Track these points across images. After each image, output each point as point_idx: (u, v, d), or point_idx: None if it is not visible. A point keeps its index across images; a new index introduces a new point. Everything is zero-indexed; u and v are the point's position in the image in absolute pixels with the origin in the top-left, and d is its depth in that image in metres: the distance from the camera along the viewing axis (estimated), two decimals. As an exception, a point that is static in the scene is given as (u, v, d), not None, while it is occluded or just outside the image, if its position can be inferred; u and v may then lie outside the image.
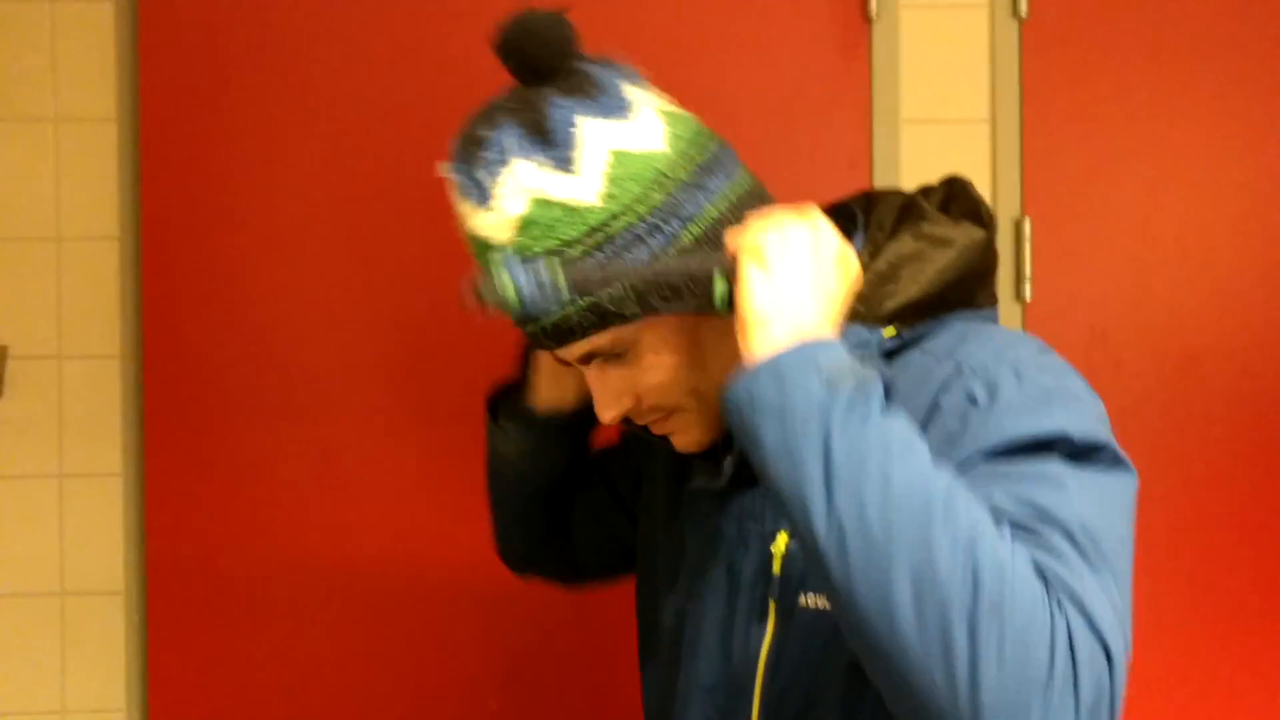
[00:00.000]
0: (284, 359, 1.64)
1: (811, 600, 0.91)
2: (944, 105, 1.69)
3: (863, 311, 0.92)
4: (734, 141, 1.69)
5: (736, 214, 0.92)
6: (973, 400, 0.84)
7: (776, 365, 0.78)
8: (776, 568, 0.93)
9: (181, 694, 1.63)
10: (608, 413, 0.95)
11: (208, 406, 1.63)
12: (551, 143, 0.88)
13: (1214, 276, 1.70)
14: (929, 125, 1.69)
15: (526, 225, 0.88)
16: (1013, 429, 0.81)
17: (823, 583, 0.75)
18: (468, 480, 1.61)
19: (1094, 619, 0.73)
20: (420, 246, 1.63)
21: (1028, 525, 0.77)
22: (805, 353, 0.78)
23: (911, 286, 0.93)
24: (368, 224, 1.64)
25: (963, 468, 0.80)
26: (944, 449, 0.81)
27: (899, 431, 0.76)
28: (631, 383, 0.93)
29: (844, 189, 1.66)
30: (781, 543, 0.93)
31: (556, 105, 0.89)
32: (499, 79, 0.94)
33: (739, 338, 0.83)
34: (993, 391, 0.84)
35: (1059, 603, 0.73)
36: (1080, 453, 0.81)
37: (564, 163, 0.88)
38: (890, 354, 0.93)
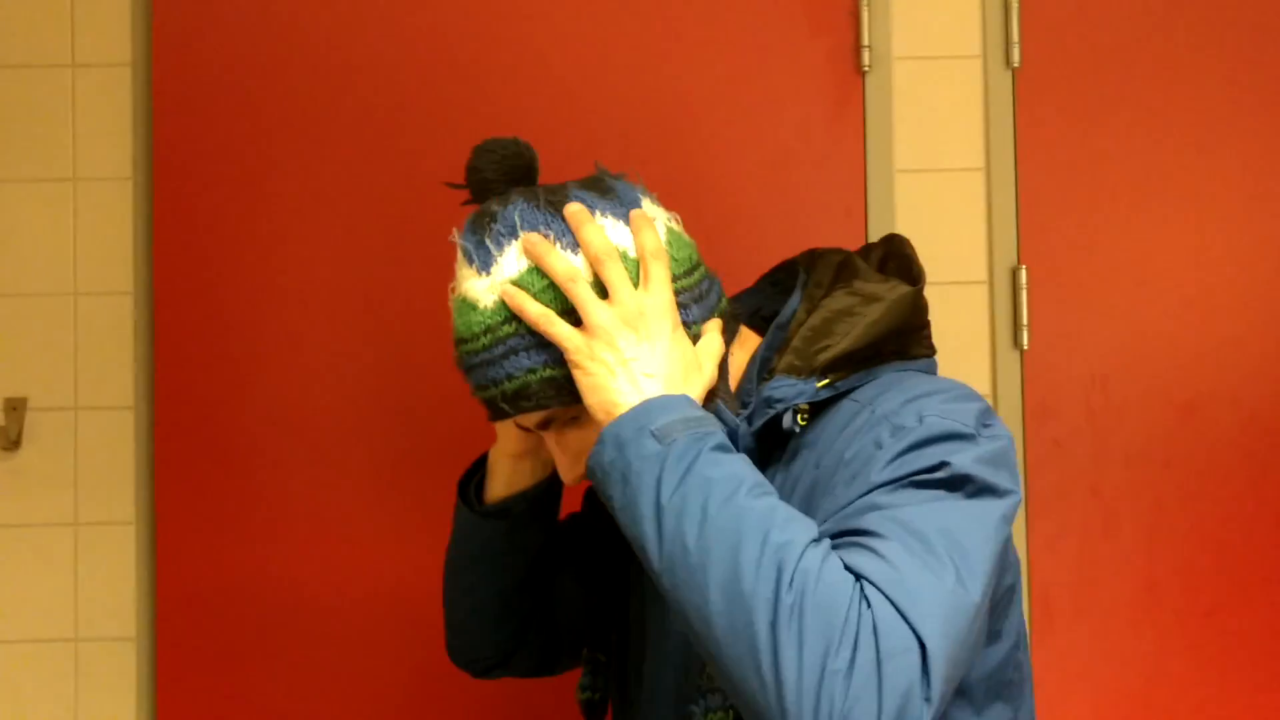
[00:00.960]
0: (291, 410, 1.67)
1: None
2: (938, 155, 1.71)
3: (799, 365, 0.99)
4: (731, 194, 1.72)
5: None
6: (878, 445, 0.91)
7: (615, 434, 0.91)
8: None
9: (189, 739, 1.66)
10: (570, 473, 1.01)
11: (217, 456, 1.67)
12: (561, 228, 0.97)
13: (1215, 320, 1.69)
14: (924, 175, 1.70)
15: (494, 313, 0.97)
16: (900, 469, 0.89)
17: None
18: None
19: (906, 610, 0.80)
20: (428, 298, 1.66)
21: (866, 535, 0.85)
22: (638, 418, 0.90)
23: (843, 340, 0.99)
24: (375, 279, 1.68)
25: (858, 502, 0.88)
26: (850, 486, 0.90)
27: (726, 469, 0.87)
28: (589, 443, 0.97)
29: (840, 239, 1.70)
30: None
31: (576, 194, 0.99)
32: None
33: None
34: (896, 435, 0.91)
35: (866, 599, 0.80)
36: (948, 482, 0.88)
37: (568, 245, 0.97)
38: (824, 403, 0.99)
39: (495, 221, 0.99)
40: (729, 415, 0.98)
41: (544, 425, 1.00)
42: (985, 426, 0.93)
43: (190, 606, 1.66)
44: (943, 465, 0.88)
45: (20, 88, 1.69)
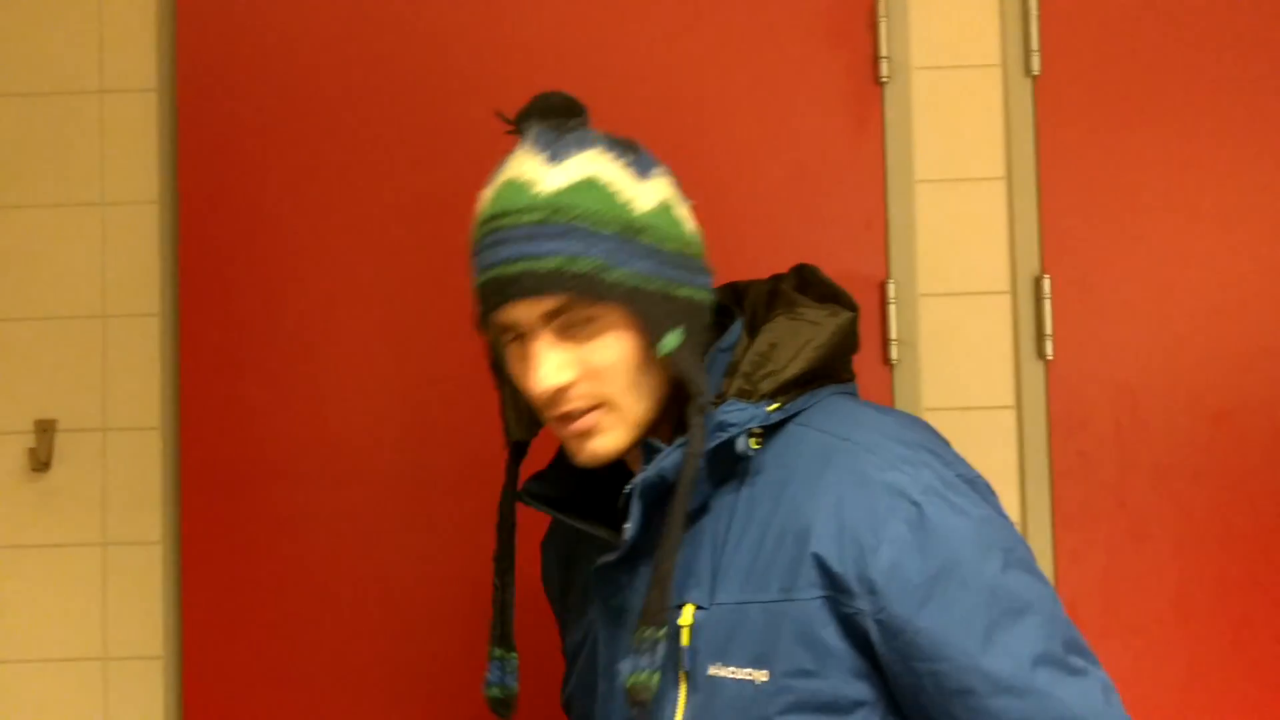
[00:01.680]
0: (316, 430, 1.68)
1: (721, 669, 0.98)
2: (959, 164, 1.69)
3: (748, 389, 1.02)
4: (750, 207, 1.72)
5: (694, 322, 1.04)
6: (901, 546, 0.96)
7: None
8: (685, 638, 1.00)
9: (215, 758, 1.67)
10: (547, 381, 1.00)
11: (243, 476, 1.68)
12: (635, 158, 1.04)
13: (1244, 329, 1.66)
14: (944, 185, 1.69)
15: (577, 189, 1.00)
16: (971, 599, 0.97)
17: None
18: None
19: None
20: (454, 318, 1.67)
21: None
22: None
23: (793, 364, 1.03)
24: (399, 299, 1.69)
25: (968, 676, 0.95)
26: (895, 592, 0.95)
27: None
28: (580, 359, 1.00)
29: (860, 251, 1.69)
30: (688, 615, 1.00)
31: (641, 146, 1.06)
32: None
33: None
34: (916, 531, 0.96)
35: None
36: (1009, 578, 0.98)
37: (640, 171, 1.03)
38: (772, 426, 1.03)
39: (637, 150, 1.05)
40: (698, 437, 1.00)
41: (551, 316, 1.00)
42: (962, 480, 1.01)
43: (217, 625, 1.67)
44: (1000, 564, 0.96)
45: (49, 114, 1.72)
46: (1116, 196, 1.67)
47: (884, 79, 1.68)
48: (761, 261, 1.64)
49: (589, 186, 1.00)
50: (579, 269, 0.98)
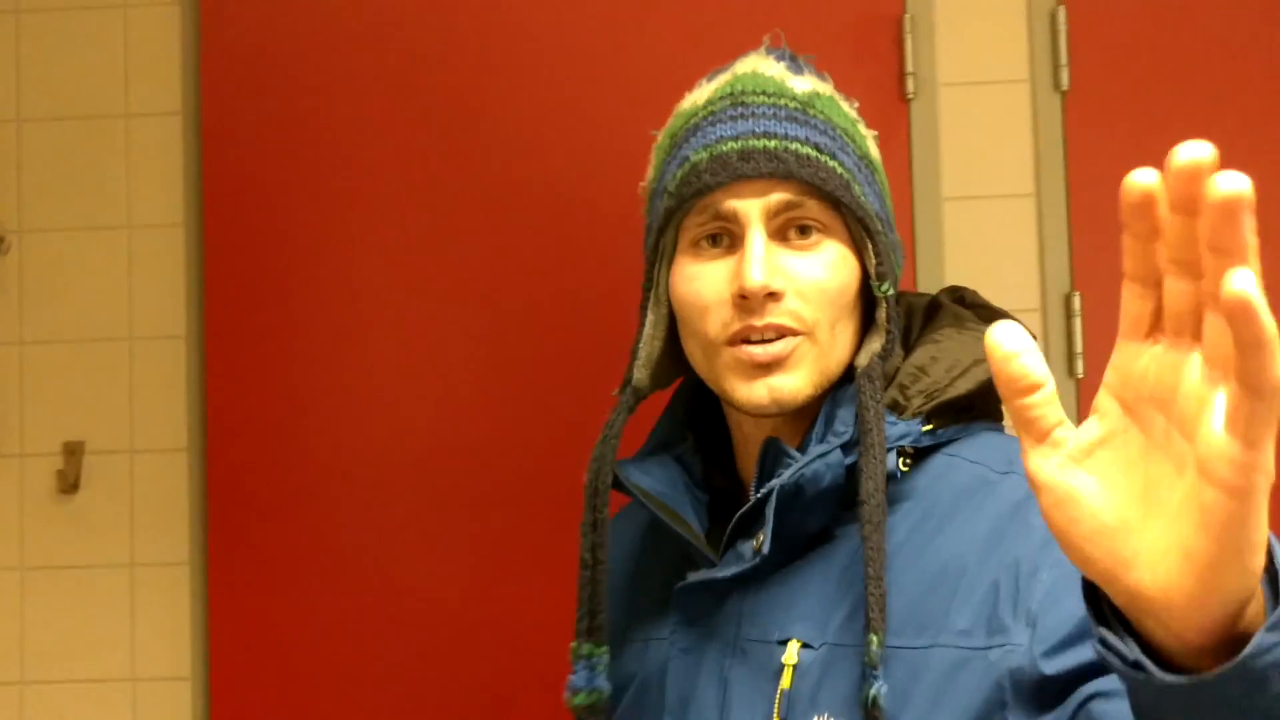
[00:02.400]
0: (342, 451, 1.68)
1: None
2: (987, 181, 1.67)
3: (901, 403, 0.89)
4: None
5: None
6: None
7: None
8: (787, 680, 0.85)
9: (243, 779, 1.67)
10: (760, 275, 0.86)
11: (269, 497, 1.68)
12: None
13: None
14: (972, 202, 1.67)
15: (825, 100, 0.93)
16: None
17: None
18: (529, 567, 1.63)
19: None
20: (484, 339, 1.67)
21: None
22: None
23: (959, 382, 0.89)
24: (427, 321, 1.68)
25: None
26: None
27: None
28: (794, 271, 0.88)
29: (886, 269, 1.66)
30: (793, 651, 0.86)
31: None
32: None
33: None
34: None
35: None
36: None
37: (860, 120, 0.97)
38: (922, 450, 0.90)
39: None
40: (878, 434, 0.86)
41: (777, 212, 0.88)
42: None
43: (243, 646, 1.67)
44: None
45: (76, 138, 1.73)
46: (1148, 212, 1.64)
47: (910, 95, 1.67)
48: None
49: (834, 102, 0.94)
50: (834, 166, 0.89)
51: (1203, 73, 1.66)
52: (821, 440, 0.89)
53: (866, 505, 0.83)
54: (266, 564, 1.68)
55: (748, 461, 0.96)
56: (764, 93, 0.91)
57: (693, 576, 0.91)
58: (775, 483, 0.86)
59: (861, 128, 0.96)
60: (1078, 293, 1.64)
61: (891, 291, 0.90)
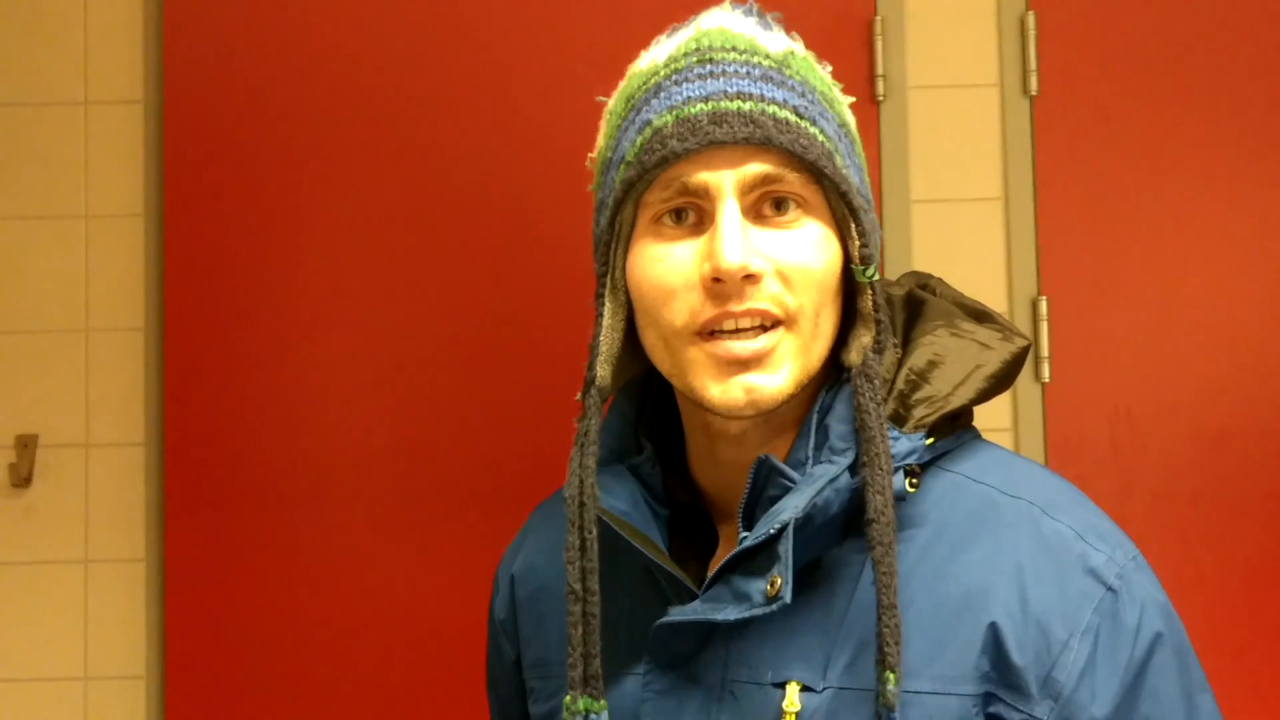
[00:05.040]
0: (301, 447, 1.66)
1: None
2: (955, 185, 1.68)
3: (902, 415, 0.81)
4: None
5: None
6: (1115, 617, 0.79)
7: None
8: None
9: (197, 780, 1.64)
10: (737, 254, 0.76)
11: (227, 493, 1.66)
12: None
13: (1241, 350, 1.65)
14: (940, 205, 1.68)
15: (800, 60, 0.83)
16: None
17: None
18: (485, 564, 1.61)
19: None
20: (442, 335, 1.66)
21: None
22: None
23: (961, 390, 0.82)
24: (387, 315, 1.67)
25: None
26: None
27: None
28: (773, 252, 0.78)
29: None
30: (794, 697, 0.78)
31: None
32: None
33: None
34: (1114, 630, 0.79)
35: None
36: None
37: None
38: (919, 466, 0.82)
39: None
40: (883, 452, 0.78)
41: (752, 186, 0.78)
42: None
43: (200, 644, 1.65)
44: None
45: (33, 125, 1.69)
46: (1114, 217, 1.66)
47: (880, 97, 1.67)
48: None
49: (810, 63, 0.84)
50: (814, 133, 0.78)
51: (1170, 79, 1.67)
52: (818, 452, 0.81)
53: (876, 524, 0.75)
54: (224, 561, 1.65)
55: (711, 469, 0.87)
56: (734, 49, 0.80)
57: (679, 614, 0.80)
58: (789, 516, 0.76)
59: (838, 92, 0.86)
60: (1045, 297, 1.65)
61: (877, 277, 0.81)
